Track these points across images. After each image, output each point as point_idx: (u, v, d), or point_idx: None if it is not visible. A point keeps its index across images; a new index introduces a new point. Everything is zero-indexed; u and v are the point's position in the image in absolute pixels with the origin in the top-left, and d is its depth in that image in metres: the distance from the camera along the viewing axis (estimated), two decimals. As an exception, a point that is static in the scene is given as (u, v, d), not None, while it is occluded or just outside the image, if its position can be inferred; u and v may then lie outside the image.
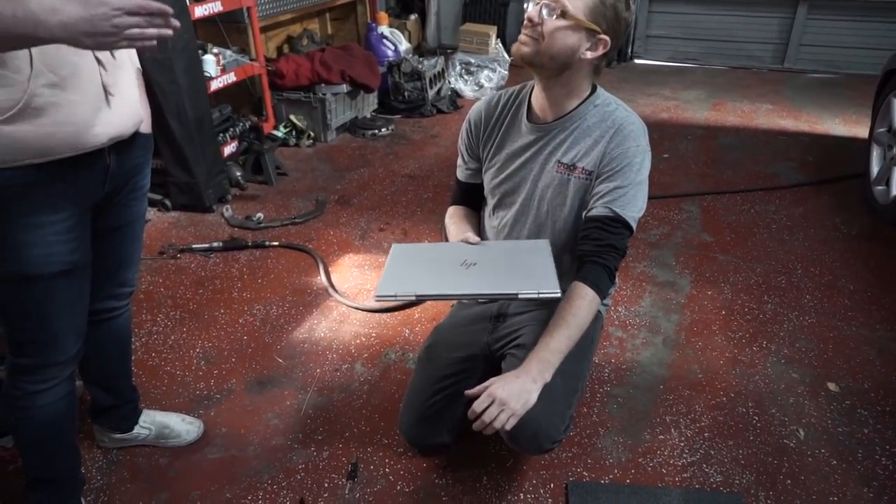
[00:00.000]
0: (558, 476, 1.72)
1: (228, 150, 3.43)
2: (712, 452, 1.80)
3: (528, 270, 1.39)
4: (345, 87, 4.08)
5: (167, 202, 3.17)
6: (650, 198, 1.51)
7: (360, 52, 4.34)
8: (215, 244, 2.82)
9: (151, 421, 1.79)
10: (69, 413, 1.46)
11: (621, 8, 1.37)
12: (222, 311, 2.41)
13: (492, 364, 1.62)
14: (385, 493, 1.67)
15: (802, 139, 4.24)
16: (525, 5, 1.41)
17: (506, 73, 5.24)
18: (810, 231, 3.03)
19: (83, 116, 1.16)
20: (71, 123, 1.06)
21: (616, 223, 1.43)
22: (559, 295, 1.31)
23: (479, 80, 5.18)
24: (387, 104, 4.69)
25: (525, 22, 1.38)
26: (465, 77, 5.19)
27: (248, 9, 3.64)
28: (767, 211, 3.24)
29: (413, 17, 5.78)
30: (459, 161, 1.73)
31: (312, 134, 4.12)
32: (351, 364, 2.14)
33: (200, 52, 3.21)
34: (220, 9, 3.33)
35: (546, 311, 1.53)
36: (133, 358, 1.77)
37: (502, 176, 1.60)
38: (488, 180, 1.65)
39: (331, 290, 2.53)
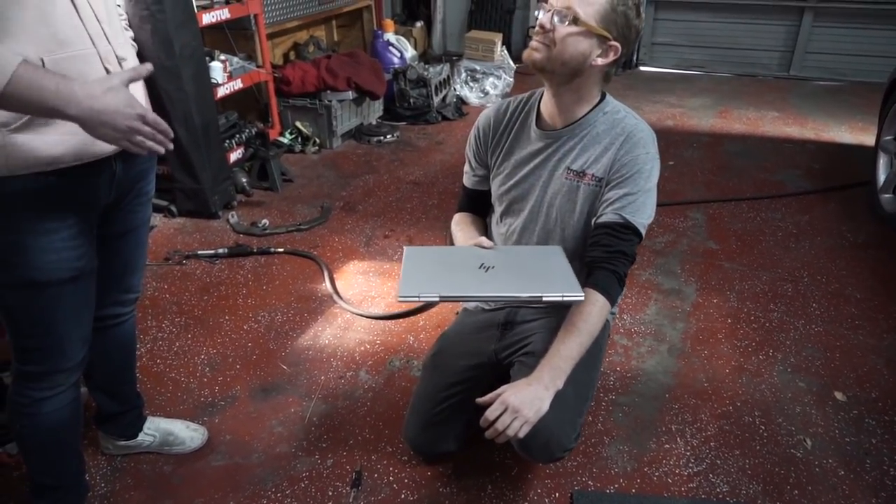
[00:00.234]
0: (563, 485, 1.71)
1: (234, 156, 3.44)
2: (718, 462, 1.79)
3: (548, 274, 1.39)
4: (350, 94, 4.09)
5: (173, 208, 3.18)
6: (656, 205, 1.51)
7: (366, 59, 4.36)
8: (221, 250, 2.83)
9: (156, 428, 1.79)
10: (74, 420, 1.46)
11: (632, 15, 1.37)
12: (227, 317, 2.42)
13: (499, 372, 1.62)
14: (389, 501, 1.66)
15: (809, 147, 4.23)
16: (535, 13, 1.41)
17: (511, 80, 5.25)
18: (817, 239, 3.02)
19: None
20: (80, 133, 1.07)
21: (626, 229, 1.43)
22: (583, 298, 1.31)
23: (485, 87, 5.19)
24: (392, 111, 4.70)
25: (536, 28, 1.39)
26: (471, 84, 5.20)
27: (256, 16, 3.66)
28: (773, 219, 3.23)
29: (419, 24, 5.79)
30: (466, 168, 1.73)
31: (318, 140, 4.13)
32: (355, 371, 2.14)
33: (207, 58, 3.22)
34: (228, 16, 3.35)
35: (555, 319, 1.52)
36: (138, 364, 1.77)
37: (511, 183, 1.60)
38: (496, 187, 1.65)
39: (335, 296, 2.53)
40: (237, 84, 3.50)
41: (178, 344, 2.26)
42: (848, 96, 5.33)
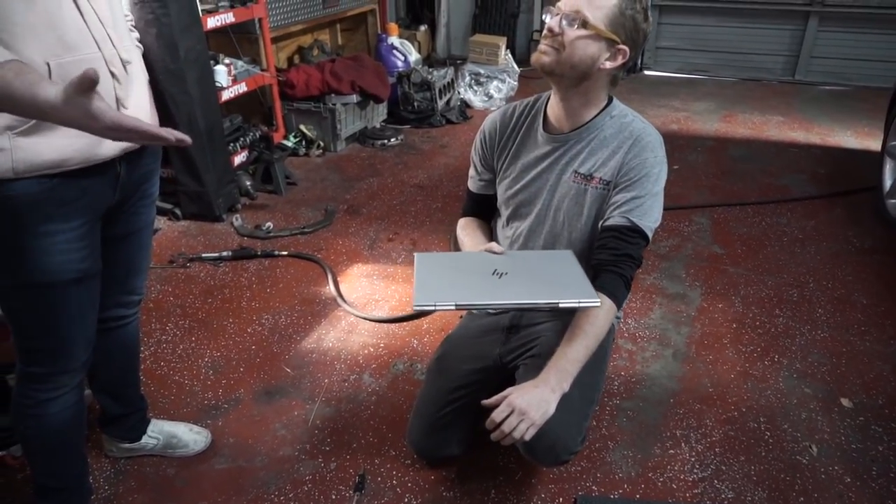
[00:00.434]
0: (567, 490, 1.70)
1: (238, 159, 3.45)
2: (723, 468, 1.78)
3: (562, 280, 1.38)
4: (354, 98, 4.10)
5: (177, 211, 3.19)
6: (660, 209, 1.51)
7: (371, 62, 4.37)
8: (225, 253, 2.83)
9: (159, 430, 1.79)
10: (78, 421, 1.46)
11: (640, 19, 1.37)
12: (231, 320, 2.42)
13: (504, 376, 1.61)
14: (392, 505, 1.66)
15: (814, 151, 4.22)
16: (543, 16, 1.41)
17: (515, 83, 5.25)
18: (822, 244, 3.01)
19: None
20: (85, 136, 1.07)
21: (633, 233, 1.43)
22: (599, 304, 1.30)
23: (489, 91, 5.20)
24: (396, 114, 4.71)
25: (545, 32, 1.39)
26: (475, 87, 5.21)
27: (260, 20, 3.67)
28: (779, 223, 3.22)
29: (423, 28, 5.81)
30: (472, 172, 1.72)
31: (322, 144, 4.13)
32: (359, 374, 2.13)
33: (212, 62, 3.24)
34: (233, 20, 3.37)
35: (560, 322, 1.52)
36: (142, 367, 1.78)
37: (517, 187, 1.59)
38: (503, 191, 1.64)
39: (339, 299, 2.53)
40: (241, 87, 3.51)
41: (181, 347, 2.26)
42: (853, 101, 5.31)
